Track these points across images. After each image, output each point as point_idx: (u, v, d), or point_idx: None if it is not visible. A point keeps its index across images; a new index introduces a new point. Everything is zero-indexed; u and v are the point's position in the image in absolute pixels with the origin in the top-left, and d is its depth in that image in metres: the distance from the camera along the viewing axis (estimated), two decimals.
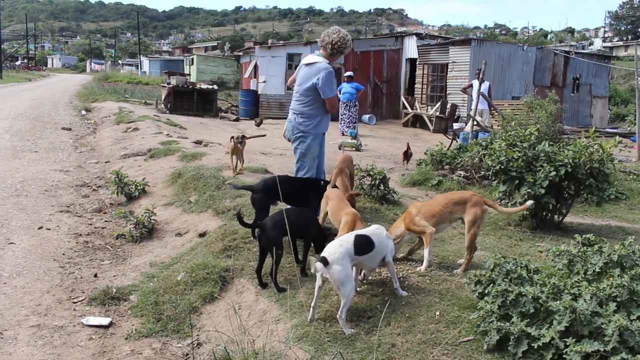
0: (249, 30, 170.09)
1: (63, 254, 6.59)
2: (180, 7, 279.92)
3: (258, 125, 18.50)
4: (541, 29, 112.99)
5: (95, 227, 7.74)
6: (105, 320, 4.98)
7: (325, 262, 3.93)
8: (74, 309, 5.25)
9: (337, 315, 3.96)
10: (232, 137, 8.90)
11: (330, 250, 4.02)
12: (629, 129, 23.08)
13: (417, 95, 24.75)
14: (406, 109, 24.53)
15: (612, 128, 23.95)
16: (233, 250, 5.81)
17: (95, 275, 6.07)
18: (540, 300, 3.57)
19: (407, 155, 11.55)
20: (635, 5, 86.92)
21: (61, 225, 7.65)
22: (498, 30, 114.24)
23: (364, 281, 4.72)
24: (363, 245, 4.14)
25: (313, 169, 6.07)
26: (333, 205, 5.33)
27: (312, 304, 4.13)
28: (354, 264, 4.14)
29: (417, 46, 24.99)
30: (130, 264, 6.40)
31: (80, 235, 7.35)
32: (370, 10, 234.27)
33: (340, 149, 14.38)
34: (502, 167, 6.76)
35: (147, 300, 5.18)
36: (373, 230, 4.43)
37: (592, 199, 7.35)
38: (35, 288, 5.60)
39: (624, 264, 3.73)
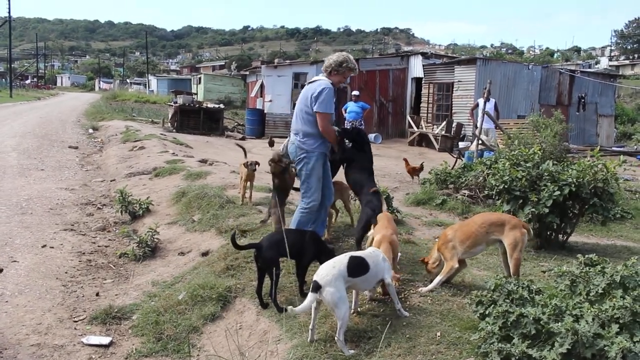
0: (257, 50, 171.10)
1: (66, 273, 6.59)
2: (188, 26, 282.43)
3: (271, 145, 18.50)
4: (547, 48, 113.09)
5: (98, 246, 7.74)
6: (105, 340, 4.96)
7: (317, 285, 3.91)
8: (75, 328, 5.24)
9: (335, 338, 3.93)
10: (245, 163, 8.31)
11: (323, 272, 4.00)
12: (635, 147, 23.01)
13: (423, 114, 24.79)
14: (412, 127, 24.56)
15: (618, 147, 23.87)
16: (235, 269, 5.80)
17: (97, 294, 6.06)
18: (541, 322, 3.52)
19: (415, 170, 11.67)
20: None
21: (65, 243, 7.66)
22: (504, 49, 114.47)
23: (370, 299, 4.69)
24: (357, 267, 4.10)
25: (319, 190, 5.89)
26: (377, 227, 5.26)
27: (310, 326, 4.10)
28: (349, 286, 4.10)
29: (423, 65, 25.09)
30: (133, 283, 6.39)
31: (84, 253, 7.35)
32: (377, 29, 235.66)
33: None
34: (506, 186, 6.73)
35: (148, 320, 5.16)
36: (369, 252, 4.41)
37: (597, 218, 7.32)
38: (37, 307, 5.59)
39: (627, 284, 3.69)
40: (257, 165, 8.26)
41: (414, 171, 12.04)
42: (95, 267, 6.89)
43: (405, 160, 12.38)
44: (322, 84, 5.77)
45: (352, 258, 4.14)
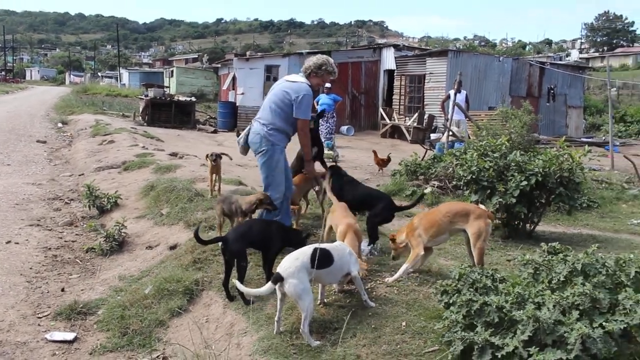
0: (230, 43, 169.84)
1: (30, 269, 6.47)
2: (161, 19, 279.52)
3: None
4: (519, 41, 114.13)
5: (65, 241, 7.62)
6: (69, 336, 4.88)
7: (279, 277, 3.89)
8: (39, 325, 5.14)
9: (300, 330, 3.91)
10: (207, 155, 8.35)
11: (286, 264, 3.98)
12: (603, 138, 23.39)
13: (395, 106, 24.89)
14: (384, 119, 24.64)
15: (587, 137, 24.25)
16: (202, 262, 5.75)
17: (63, 290, 5.97)
18: (504, 310, 3.55)
19: (383, 162, 11.70)
20: (610, 18, 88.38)
21: (30, 239, 7.53)
22: (477, 42, 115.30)
23: (339, 291, 4.68)
24: (321, 259, 4.08)
25: (282, 183, 5.91)
26: (335, 216, 5.30)
27: (276, 318, 4.08)
28: (312, 278, 4.09)
29: (395, 57, 25.17)
30: (99, 278, 6.30)
31: (50, 249, 7.23)
32: (351, 22, 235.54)
33: None
34: (474, 177, 6.78)
35: (114, 315, 5.09)
36: (335, 245, 4.40)
37: (563, 207, 7.41)
38: None
39: (588, 272, 3.73)
40: (219, 157, 8.20)
41: (382, 163, 12.07)
42: (61, 263, 6.78)
43: (374, 152, 12.42)
44: (303, 90, 5.78)
45: (316, 250, 4.12)
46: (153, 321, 4.95)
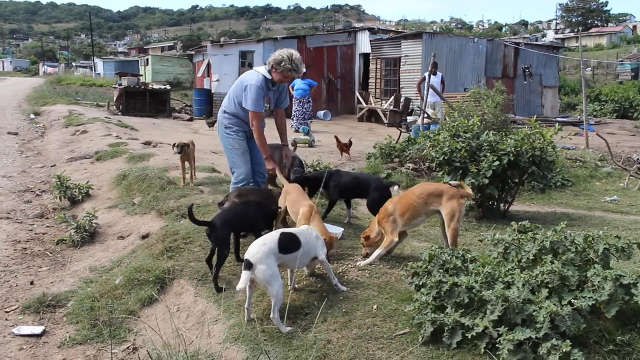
0: (206, 30, 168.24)
1: None
2: (135, 7, 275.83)
3: (211, 125, 18.25)
4: (496, 22, 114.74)
5: (35, 233, 7.48)
6: (37, 329, 4.78)
7: (249, 263, 3.83)
8: (6, 319, 5.04)
9: (271, 316, 3.86)
10: (173, 145, 8.29)
11: (254, 250, 3.92)
12: (578, 117, 23.56)
13: (371, 90, 24.82)
14: (361, 103, 24.57)
15: (563, 117, 24.41)
16: (173, 251, 5.66)
17: (32, 283, 5.85)
18: (474, 290, 3.54)
19: (345, 147, 11.66)
20: None
21: None
22: (454, 24, 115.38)
23: (310, 275, 4.64)
24: (288, 244, 4.04)
25: (245, 164, 6.02)
26: (291, 199, 5.24)
27: (246, 305, 4.03)
28: (281, 263, 4.04)
29: (370, 41, 25.06)
30: (70, 270, 6.19)
31: (19, 242, 7.08)
32: (327, 7, 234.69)
33: (293, 145, 14.29)
34: (446, 158, 6.77)
35: (83, 306, 5.00)
36: (301, 229, 4.35)
37: (537, 186, 7.43)
38: None
39: (557, 249, 3.73)
40: (185, 147, 8.10)
41: (345, 148, 11.98)
42: (30, 256, 6.65)
43: (336, 137, 12.32)
44: (252, 79, 5.82)
45: (283, 235, 4.07)
46: (123, 312, 4.86)
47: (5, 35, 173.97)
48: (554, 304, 3.22)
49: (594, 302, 3.24)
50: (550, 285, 3.42)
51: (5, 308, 5.26)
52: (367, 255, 5.06)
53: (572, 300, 3.27)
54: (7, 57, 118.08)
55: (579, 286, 3.45)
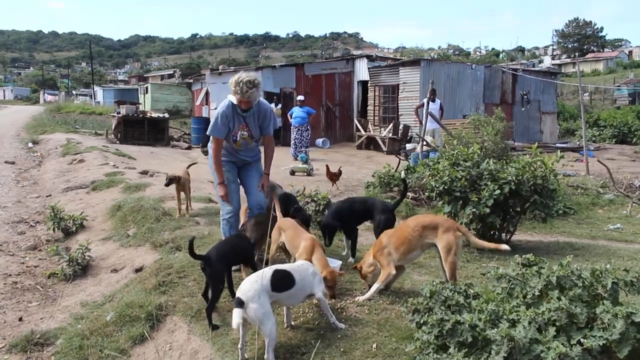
0: (206, 58, 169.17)
1: None
2: (136, 35, 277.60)
3: (206, 154, 18.13)
4: (493, 49, 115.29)
5: (27, 266, 7.31)
6: None
7: (240, 301, 3.67)
8: None
9: (265, 357, 3.70)
10: (167, 176, 8.29)
11: (245, 288, 3.76)
12: (577, 143, 23.51)
13: (370, 117, 24.80)
14: (359, 131, 24.54)
15: (562, 143, 24.36)
16: (167, 286, 5.50)
17: (21, 319, 5.68)
18: (477, 329, 3.38)
19: (335, 175, 11.47)
20: (580, 24, 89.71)
21: None
22: (451, 51, 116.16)
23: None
24: (281, 281, 3.88)
25: (233, 197, 5.83)
26: (290, 234, 5.10)
27: (239, 345, 3.86)
28: (274, 301, 3.88)
29: (368, 68, 25.11)
30: (60, 305, 6.02)
31: (10, 275, 6.92)
32: (325, 34, 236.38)
33: (292, 174, 14.20)
34: (446, 187, 6.64)
35: (72, 345, 4.82)
36: (296, 265, 4.20)
37: (539, 215, 7.28)
38: None
39: (563, 285, 3.57)
40: (172, 181, 8.03)
41: (334, 176, 11.75)
42: (21, 290, 6.48)
43: (327, 166, 12.14)
44: (220, 106, 5.78)
45: (276, 272, 3.91)
46: (114, 350, 4.68)
47: (7, 63, 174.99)
48: (563, 344, 3.06)
49: (604, 342, 3.08)
50: (557, 324, 3.26)
51: None
52: (368, 288, 4.91)
53: (582, 340, 3.11)
54: (9, 86, 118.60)
55: (587, 324, 3.29)
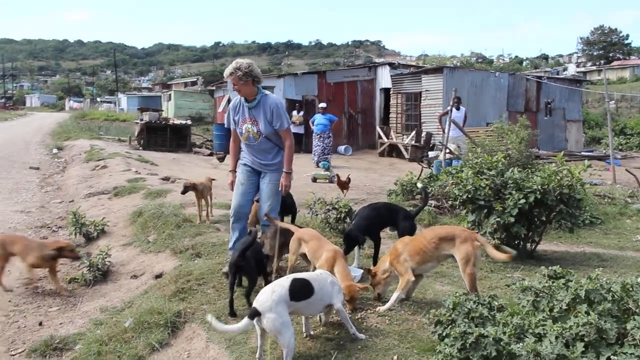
0: (229, 65, 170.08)
1: (9, 301, 6.19)
2: (159, 44, 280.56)
3: (221, 160, 18.14)
4: (516, 57, 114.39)
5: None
6: None
7: (255, 312, 3.60)
8: None
9: None
10: (184, 184, 8.32)
11: (262, 298, 3.69)
12: (604, 151, 23.14)
13: (392, 125, 24.68)
14: (382, 138, 24.43)
15: (587, 151, 24.00)
16: (186, 292, 5.47)
17: (41, 324, 5.68)
18: (502, 343, 3.27)
19: (345, 184, 11.30)
20: (606, 31, 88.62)
21: (12, 269, 7.22)
22: (474, 58, 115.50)
23: (323, 324, 4.38)
24: (300, 290, 3.81)
25: (236, 198, 5.88)
26: (313, 245, 5.02)
27: (257, 355, 3.79)
28: (292, 311, 3.80)
29: (391, 76, 25.02)
30: (80, 310, 6.01)
31: (31, 280, 6.93)
32: (348, 42, 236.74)
33: (314, 181, 14.14)
34: (470, 196, 6.52)
35: (90, 351, 4.78)
36: (315, 274, 4.12)
37: (565, 225, 7.12)
38: None
39: (592, 299, 3.45)
40: (187, 189, 8.04)
41: (344, 185, 11.55)
42: (42, 295, 6.48)
43: (337, 175, 11.96)
44: None
45: (294, 281, 3.84)
46: (132, 357, 4.64)
47: (34, 72, 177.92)
48: None
49: (636, 359, 2.96)
50: (586, 339, 3.15)
51: (12, 351, 5.09)
52: (378, 297, 4.82)
53: (611, 357, 3.00)
54: (36, 93, 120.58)
55: (618, 340, 3.17)
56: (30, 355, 4.97)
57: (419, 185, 7.21)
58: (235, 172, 5.95)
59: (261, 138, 5.68)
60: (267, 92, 5.77)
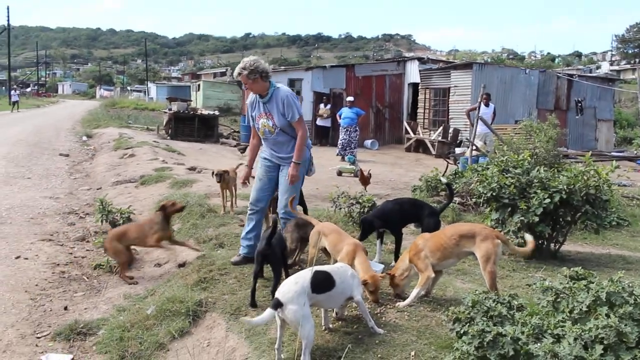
0: (258, 57, 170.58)
1: (36, 285, 6.32)
2: (190, 34, 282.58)
3: (243, 151, 18.22)
4: (548, 53, 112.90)
5: (75, 257, 7.47)
6: (66, 358, 4.70)
7: (278, 302, 3.64)
8: (37, 345, 4.97)
9: (301, 359, 3.65)
10: (213, 173, 8.37)
11: (284, 289, 3.73)
12: (635, 152, 22.72)
13: (420, 120, 24.56)
14: (409, 133, 24.34)
15: (618, 152, 23.58)
16: (208, 282, 5.54)
17: (66, 308, 5.79)
18: (520, 342, 3.25)
19: (366, 180, 11.24)
20: None
21: (40, 254, 7.40)
22: (505, 54, 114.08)
23: (339, 319, 4.40)
24: (321, 282, 3.83)
25: (255, 192, 5.97)
26: (333, 238, 5.02)
27: (276, 346, 3.82)
28: (313, 303, 3.83)
29: (419, 70, 24.88)
30: (104, 296, 6.11)
31: (58, 265, 7.08)
32: (378, 36, 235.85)
33: (339, 174, 14.15)
34: (494, 194, 6.46)
35: (113, 336, 4.88)
36: (336, 267, 4.14)
37: (591, 226, 7.03)
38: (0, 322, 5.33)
39: (614, 301, 3.41)
40: (225, 174, 8.08)
41: (366, 180, 11.48)
42: (67, 280, 6.62)
43: (361, 170, 11.91)
44: None
45: (316, 273, 3.86)
46: (153, 344, 4.73)
47: (67, 60, 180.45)
48: None
49: None
50: (605, 342, 3.11)
51: (37, 333, 5.20)
52: (397, 296, 4.83)
53: None
54: (68, 81, 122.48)
55: (638, 344, 3.14)
56: (55, 338, 5.08)
57: (443, 180, 7.18)
58: (250, 168, 6.07)
59: (277, 131, 5.72)
60: (279, 85, 5.80)
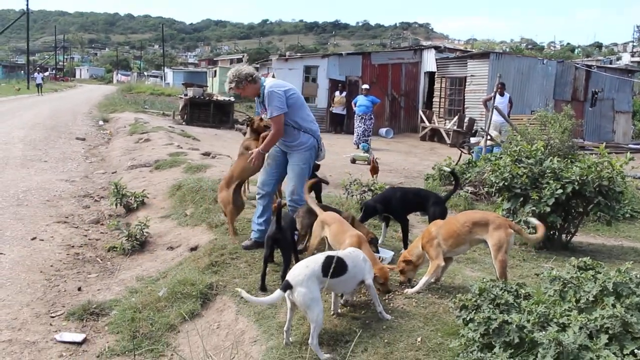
0: (275, 44, 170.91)
1: (51, 266, 6.44)
2: (207, 19, 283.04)
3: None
4: (568, 44, 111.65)
5: (89, 239, 7.58)
6: (79, 337, 4.78)
7: (288, 285, 3.68)
8: (51, 324, 5.07)
9: (309, 341, 3.70)
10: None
11: (295, 272, 3.78)
12: None
13: (435, 109, 24.45)
14: (424, 122, 24.25)
15: (635, 144, 23.32)
16: (219, 266, 5.60)
17: (80, 289, 5.90)
18: (525, 330, 3.28)
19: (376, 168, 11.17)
20: None
21: (56, 236, 7.52)
22: (524, 44, 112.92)
23: (346, 304, 4.44)
24: (334, 267, 3.87)
25: (264, 174, 6.13)
26: (335, 229, 5.03)
27: (285, 328, 3.88)
28: (324, 287, 3.87)
29: (436, 59, 24.72)
30: (117, 278, 6.21)
31: (73, 246, 7.19)
32: (395, 24, 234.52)
33: (352, 162, 14.16)
34: (506, 183, 6.45)
35: (125, 317, 4.97)
36: (348, 252, 4.17)
37: (604, 217, 7.01)
38: (15, 301, 5.44)
39: (620, 292, 3.43)
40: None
41: (375, 170, 11.40)
42: (82, 261, 6.73)
43: (373, 158, 11.85)
44: None
45: (328, 257, 3.89)
46: (164, 325, 4.81)
47: (85, 44, 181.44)
48: (614, 354, 2.93)
49: None
50: (610, 332, 3.13)
51: (52, 313, 5.30)
52: (407, 281, 4.86)
53: (636, 351, 2.98)
54: (85, 65, 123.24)
55: None
56: (69, 318, 5.18)
57: (446, 169, 7.19)
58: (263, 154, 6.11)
59: None
60: (266, 82, 5.90)
